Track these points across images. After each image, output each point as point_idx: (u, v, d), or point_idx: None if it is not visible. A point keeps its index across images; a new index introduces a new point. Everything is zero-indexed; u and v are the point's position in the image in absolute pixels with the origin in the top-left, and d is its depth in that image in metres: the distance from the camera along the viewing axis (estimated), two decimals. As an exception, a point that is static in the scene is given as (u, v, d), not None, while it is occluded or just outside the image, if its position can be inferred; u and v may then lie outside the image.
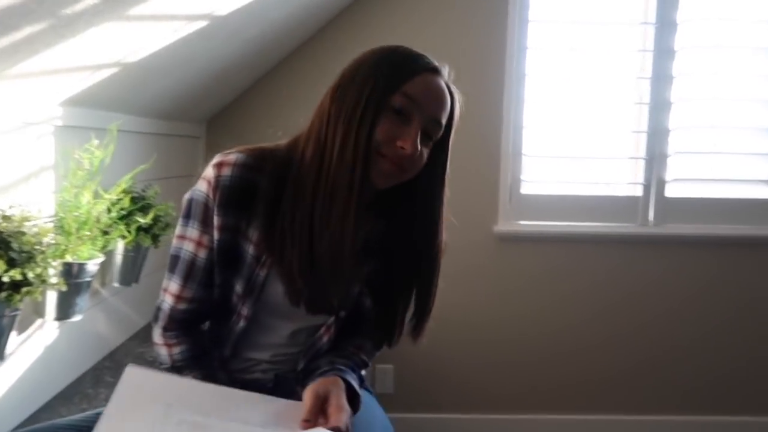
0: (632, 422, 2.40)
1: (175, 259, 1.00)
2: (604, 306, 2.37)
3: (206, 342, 1.06)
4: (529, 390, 2.40)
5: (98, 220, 1.28)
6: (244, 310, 1.00)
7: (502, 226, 2.31)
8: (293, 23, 1.98)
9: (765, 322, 2.37)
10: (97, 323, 1.59)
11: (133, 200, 1.44)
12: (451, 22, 2.24)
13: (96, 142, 1.31)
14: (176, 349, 1.03)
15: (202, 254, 0.98)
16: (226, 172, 0.95)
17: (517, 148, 2.29)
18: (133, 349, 1.69)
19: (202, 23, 1.45)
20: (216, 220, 0.95)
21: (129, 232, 1.41)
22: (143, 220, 1.43)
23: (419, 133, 0.92)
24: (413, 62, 0.95)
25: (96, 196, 1.30)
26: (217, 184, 0.95)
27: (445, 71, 0.99)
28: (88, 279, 1.27)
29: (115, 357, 1.63)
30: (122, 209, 1.37)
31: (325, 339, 1.06)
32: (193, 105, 2.04)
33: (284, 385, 1.06)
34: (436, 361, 2.38)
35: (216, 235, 0.96)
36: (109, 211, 1.32)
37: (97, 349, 1.60)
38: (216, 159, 0.97)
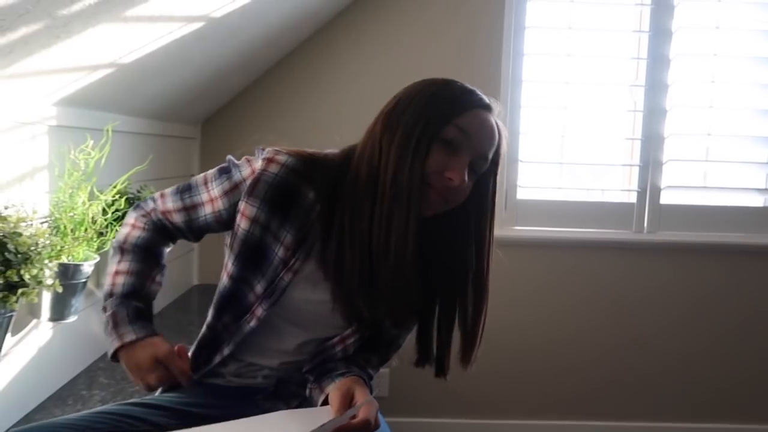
0: (627, 428, 2.41)
1: (188, 188, 1.06)
2: (599, 312, 2.37)
3: (160, 258, 1.12)
4: (525, 395, 2.40)
5: (94, 221, 1.28)
6: (259, 311, 1.00)
7: (498, 232, 2.29)
8: (288, 26, 1.98)
9: (760, 329, 2.38)
10: (92, 324, 1.58)
11: (129, 201, 1.43)
12: (447, 28, 2.25)
13: (91, 142, 1.31)
14: (137, 233, 1.09)
15: (209, 209, 1.03)
16: (273, 169, 0.96)
17: (513, 154, 2.30)
18: (127, 351, 1.68)
19: (198, 24, 1.45)
20: (247, 210, 0.96)
21: (124, 233, 1.40)
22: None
23: (467, 166, 0.94)
24: (467, 97, 0.97)
25: (91, 196, 1.30)
26: (259, 177, 0.96)
27: (496, 109, 1.01)
28: (84, 280, 1.27)
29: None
30: (118, 210, 1.36)
31: (338, 349, 1.05)
32: (188, 106, 2.04)
33: (284, 391, 1.07)
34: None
35: (244, 225, 0.97)
36: (104, 212, 1.31)
37: (92, 350, 1.60)
38: (268, 153, 0.98)
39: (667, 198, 2.33)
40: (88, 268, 1.27)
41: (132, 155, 1.69)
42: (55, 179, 1.30)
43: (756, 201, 2.40)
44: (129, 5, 1.12)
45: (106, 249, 1.40)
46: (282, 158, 0.97)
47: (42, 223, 1.22)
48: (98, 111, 1.51)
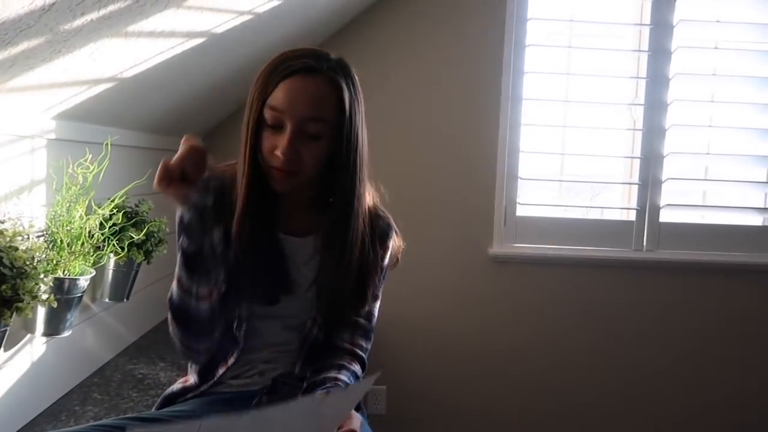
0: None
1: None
2: (599, 330, 2.36)
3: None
4: (523, 413, 2.38)
5: (91, 236, 1.27)
6: (244, 313, 1.08)
7: (497, 249, 2.31)
8: (287, 42, 1.98)
9: (757, 347, 2.37)
10: (87, 339, 1.57)
11: (126, 215, 1.43)
12: (448, 45, 2.26)
13: (90, 156, 1.31)
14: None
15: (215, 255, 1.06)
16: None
17: (513, 171, 2.30)
18: (123, 365, 1.67)
19: (200, 40, 1.45)
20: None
21: (121, 248, 1.40)
22: (136, 236, 1.42)
23: (294, 137, 0.98)
24: (274, 74, 0.99)
25: (89, 210, 1.30)
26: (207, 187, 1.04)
27: (323, 63, 1.01)
28: (79, 294, 1.26)
29: (103, 373, 1.61)
30: (115, 224, 1.36)
31: (314, 331, 1.10)
32: (187, 120, 2.05)
33: (281, 391, 1.08)
34: (428, 383, 2.36)
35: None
36: (102, 226, 1.31)
37: (86, 366, 1.58)
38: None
39: (666, 216, 2.33)
40: (84, 282, 1.26)
41: (131, 169, 1.68)
42: (52, 193, 1.30)
43: (755, 220, 2.39)
44: (130, 21, 1.13)
45: (102, 263, 1.39)
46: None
47: (38, 237, 1.22)
48: (98, 125, 1.51)
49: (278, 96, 0.98)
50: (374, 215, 1.14)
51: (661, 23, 2.27)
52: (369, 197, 1.13)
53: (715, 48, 2.32)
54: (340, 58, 1.05)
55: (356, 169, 1.05)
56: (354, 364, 1.10)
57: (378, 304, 1.16)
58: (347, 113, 1.02)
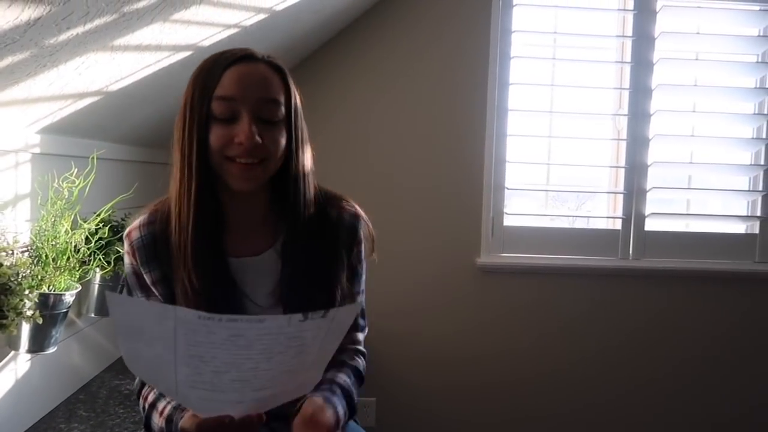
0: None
1: None
2: (587, 338, 2.37)
3: None
4: (512, 422, 2.38)
5: (76, 250, 1.26)
6: None
7: (485, 258, 2.32)
8: (274, 56, 1.99)
9: (742, 354, 2.39)
10: (72, 355, 1.55)
11: (113, 229, 1.42)
12: (434, 58, 2.28)
13: (75, 170, 1.30)
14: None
15: None
16: (136, 235, 1.01)
17: (500, 182, 2.31)
18: (109, 381, 1.65)
19: (186, 54, 1.45)
20: (147, 279, 1.01)
21: (108, 262, 1.39)
22: (122, 250, 1.40)
23: (252, 122, 0.92)
24: (216, 65, 0.95)
25: (74, 225, 1.29)
26: (133, 250, 1.01)
27: (259, 51, 0.99)
28: (65, 310, 1.25)
29: (89, 389, 1.59)
30: (102, 239, 1.35)
31: None
32: (173, 132, 2.04)
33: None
34: (418, 395, 2.35)
35: (156, 291, 1.01)
36: (87, 240, 1.30)
37: (71, 382, 1.56)
38: (125, 231, 1.03)
39: (651, 225, 2.35)
40: (69, 297, 1.24)
41: (117, 182, 1.68)
42: (37, 208, 1.29)
43: (738, 228, 2.43)
44: (116, 35, 1.12)
45: (88, 278, 1.38)
46: (135, 223, 1.03)
47: (23, 252, 1.20)
48: (83, 138, 1.50)
49: (226, 84, 0.93)
50: (335, 207, 1.06)
51: (643, 35, 2.30)
52: (312, 191, 1.05)
53: (696, 59, 2.36)
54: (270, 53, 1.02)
55: (305, 156, 1.01)
56: (357, 358, 1.09)
57: (363, 295, 1.12)
58: (293, 97, 0.99)
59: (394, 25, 2.27)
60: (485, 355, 2.36)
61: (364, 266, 1.11)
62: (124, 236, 1.03)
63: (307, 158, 1.02)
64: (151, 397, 1.01)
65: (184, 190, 0.94)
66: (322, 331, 0.82)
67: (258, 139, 0.92)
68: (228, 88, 0.93)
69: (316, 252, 1.01)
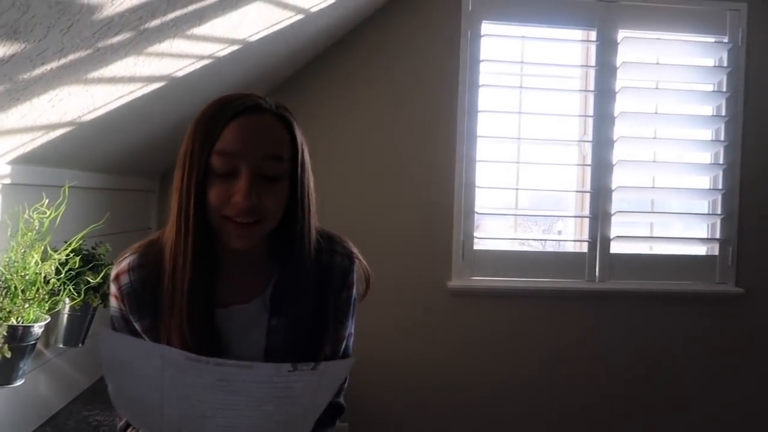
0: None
1: None
2: (555, 358, 2.41)
3: None
4: (484, 446, 2.40)
5: (46, 281, 1.25)
6: None
7: (456, 282, 2.35)
8: (248, 83, 2.02)
9: (704, 370, 2.46)
10: (40, 386, 1.52)
11: (84, 259, 1.41)
12: (405, 85, 2.33)
13: (46, 201, 1.29)
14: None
15: None
16: (125, 279, 0.96)
17: (470, 206, 2.36)
18: (77, 412, 1.62)
19: (160, 84, 1.47)
20: (137, 326, 0.96)
21: (78, 292, 1.38)
22: (93, 279, 1.40)
23: (252, 180, 0.87)
24: (218, 116, 0.90)
25: (45, 255, 1.28)
26: (122, 295, 0.96)
27: (268, 101, 0.94)
28: (33, 342, 1.23)
29: (56, 421, 1.56)
30: (72, 269, 1.34)
31: None
32: (147, 160, 2.04)
33: None
34: (391, 419, 2.36)
35: (146, 338, 0.96)
36: (57, 271, 1.29)
37: (38, 414, 1.53)
38: (113, 271, 0.98)
39: (616, 248, 2.42)
40: (38, 329, 1.23)
41: (88, 210, 1.67)
42: (7, 239, 1.27)
43: (699, 250, 2.51)
44: (90, 69, 1.14)
45: (57, 309, 1.37)
46: (124, 265, 0.97)
47: (-9, 284, 1.19)
48: (54, 167, 1.50)
49: (228, 138, 0.88)
50: (329, 251, 1.02)
51: (605, 65, 2.40)
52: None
53: (656, 88, 2.46)
54: (279, 101, 0.97)
55: (310, 213, 0.97)
56: (332, 416, 1.07)
57: (352, 339, 1.10)
58: (300, 152, 0.94)
59: (364, 55, 2.32)
60: (457, 378, 2.39)
61: (354, 309, 1.07)
62: (111, 278, 0.97)
63: (312, 213, 0.97)
64: None
65: (180, 242, 0.90)
66: (313, 384, 0.81)
67: (255, 199, 0.87)
68: (230, 143, 0.88)
69: (304, 300, 0.97)
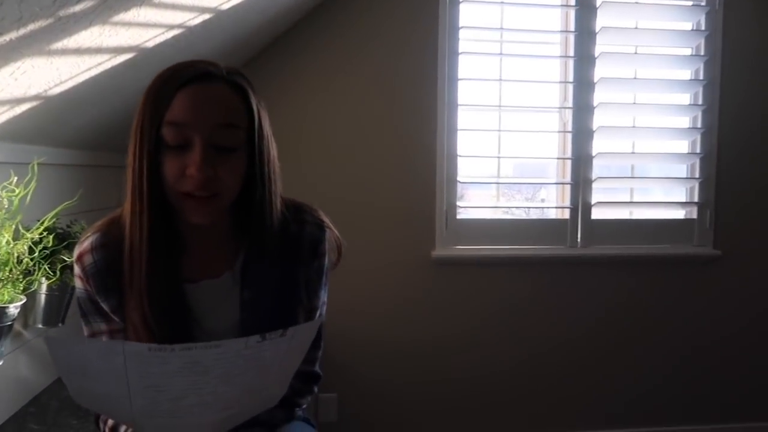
0: (569, 438, 2.48)
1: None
2: (539, 324, 2.44)
3: None
4: (471, 411, 2.43)
5: (19, 261, 1.23)
6: None
7: (440, 251, 2.36)
8: (220, 54, 1.97)
9: (685, 336, 2.51)
10: (20, 367, 1.50)
11: (58, 237, 1.38)
12: (384, 54, 2.30)
13: (15, 178, 1.26)
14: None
15: (119, 338, 0.96)
16: (88, 260, 0.94)
17: (452, 175, 2.35)
18: (59, 392, 1.61)
19: (129, 55, 1.43)
20: (105, 306, 0.95)
21: (53, 271, 1.35)
22: (69, 258, 1.37)
23: (205, 151, 0.85)
24: (167, 86, 0.87)
25: (17, 235, 1.25)
26: (86, 275, 0.94)
27: (218, 68, 0.90)
28: (9, 323, 1.21)
29: (39, 401, 1.55)
30: (46, 248, 1.31)
31: None
32: (119, 134, 1.98)
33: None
34: (378, 388, 2.38)
35: (115, 318, 0.96)
36: (31, 250, 1.26)
37: (20, 395, 1.51)
38: (75, 251, 0.96)
39: (597, 214, 2.44)
40: (13, 310, 1.21)
41: (61, 188, 1.63)
42: (-24, 218, 1.24)
43: (678, 214, 2.54)
44: (53, 39, 1.10)
45: (33, 289, 1.34)
46: (86, 245, 0.95)
47: (-38, 265, 1.16)
48: (22, 144, 1.45)
49: (178, 107, 0.85)
50: (298, 221, 1.00)
51: (584, 30, 2.38)
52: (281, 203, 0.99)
53: (635, 53, 2.45)
54: (233, 66, 0.94)
55: (272, 183, 0.94)
56: (308, 383, 1.07)
57: (324, 308, 1.08)
58: (257, 119, 0.90)
59: (341, 23, 2.27)
60: (443, 347, 2.41)
61: (326, 278, 1.05)
62: (74, 259, 0.95)
63: (274, 182, 0.94)
64: (110, 422, 0.99)
65: (136, 219, 0.88)
66: (282, 349, 0.80)
67: (210, 171, 0.84)
68: (179, 113, 0.85)
69: (275, 272, 0.95)
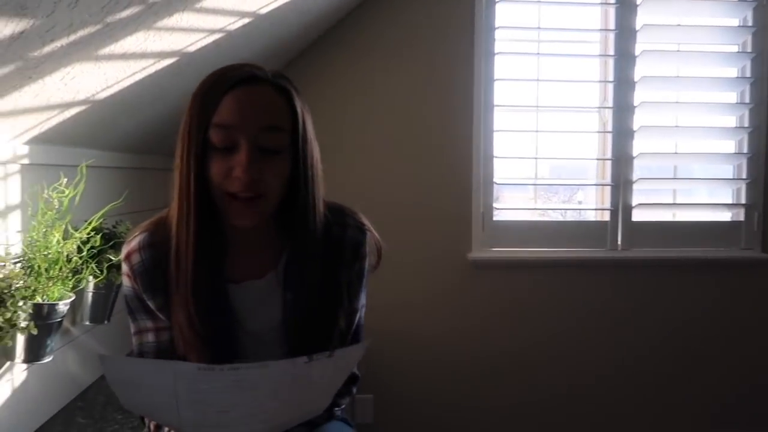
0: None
1: (140, 356, 1.00)
2: (578, 328, 2.40)
3: None
4: (507, 416, 2.41)
5: (69, 260, 1.27)
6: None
7: (476, 253, 2.34)
8: (260, 57, 2.00)
9: (731, 338, 2.43)
10: (68, 363, 1.56)
11: (104, 237, 1.42)
12: (420, 56, 2.30)
13: (65, 180, 1.30)
14: None
15: (165, 336, 0.99)
16: (136, 258, 0.96)
17: (488, 177, 2.33)
18: (106, 388, 1.65)
19: (172, 60, 1.46)
20: (151, 305, 0.97)
21: (100, 270, 1.39)
22: (114, 257, 1.41)
23: (251, 153, 0.86)
24: (214, 89, 0.88)
25: (66, 235, 1.29)
26: (134, 274, 0.96)
27: (264, 71, 0.92)
28: (59, 319, 1.25)
29: (86, 396, 1.60)
30: (93, 248, 1.35)
31: None
32: (163, 138, 2.04)
33: None
34: (415, 390, 2.37)
35: (161, 316, 0.98)
36: (79, 250, 1.30)
37: (69, 390, 1.57)
38: (123, 250, 0.98)
39: (638, 215, 2.38)
40: (63, 307, 1.25)
41: (107, 190, 1.68)
42: (28, 218, 1.29)
43: (723, 216, 2.46)
44: (100, 45, 1.13)
45: (81, 287, 1.39)
46: (134, 244, 0.97)
47: (15, 263, 1.21)
48: (72, 147, 1.51)
49: (225, 110, 0.86)
50: (339, 224, 1.01)
51: (625, 28, 2.33)
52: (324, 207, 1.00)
53: (678, 51, 2.39)
54: (278, 70, 0.96)
55: (315, 185, 0.95)
56: (347, 384, 1.07)
57: (363, 310, 1.09)
58: (301, 122, 0.91)
59: (378, 25, 2.28)
60: (479, 349, 2.39)
61: (366, 281, 1.06)
62: (122, 257, 0.98)
63: (317, 184, 0.95)
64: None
65: (183, 220, 0.90)
66: (329, 369, 0.82)
67: (255, 172, 0.86)
68: (226, 116, 0.86)
69: (317, 274, 0.96)
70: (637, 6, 2.32)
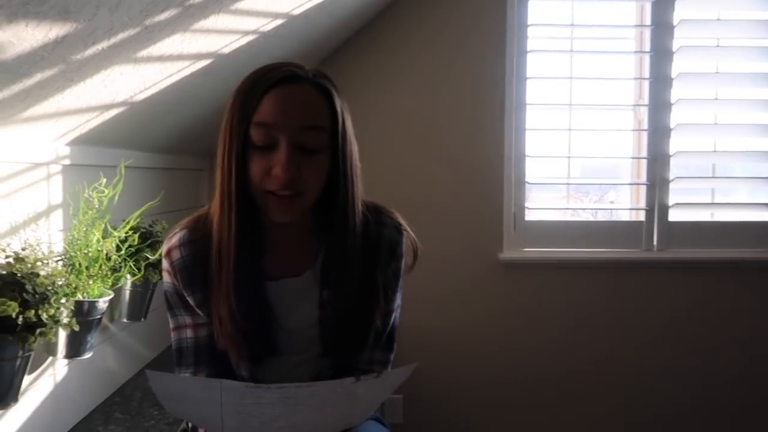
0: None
1: (179, 351, 1.02)
2: (612, 330, 2.36)
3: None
4: (539, 418, 2.38)
5: (108, 258, 1.30)
6: (239, 370, 1.03)
7: (508, 253, 2.32)
8: (293, 57, 2.02)
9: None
10: (107, 359, 1.60)
11: (142, 236, 1.45)
12: (451, 53, 2.28)
13: (104, 180, 1.33)
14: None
15: (203, 332, 1.01)
16: (176, 255, 0.98)
17: (520, 177, 2.31)
18: (142, 384, 1.69)
19: (207, 61, 1.48)
20: (191, 301, 0.98)
21: (138, 268, 1.42)
22: (151, 256, 1.44)
23: (290, 152, 0.87)
24: (255, 88, 0.89)
25: (105, 233, 1.32)
26: (174, 270, 0.97)
27: (304, 70, 0.92)
28: (99, 316, 1.28)
29: (124, 392, 1.63)
30: (131, 246, 1.38)
31: (327, 366, 1.05)
32: (197, 139, 2.08)
33: None
34: (445, 391, 2.36)
35: (200, 312, 0.99)
36: (118, 248, 1.33)
37: (107, 385, 1.61)
38: (164, 247, 1.00)
39: (675, 215, 2.33)
40: (103, 304, 1.28)
41: (144, 189, 1.72)
42: (69, 217, 1.32)
43: (763, 216, 2.38)
44: (139, 47, 1.15)
45: (120, 285, 1.42)
46: (175, 240, 0.98)
47: (57, 261, 1.24)
48: (111, 148, 1.54)
49: (265, 109, 0.87)
50: (377, 224, 1.01)
51: (661, 23, 2.28)
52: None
53: (717, 46, 2.32)
54: (319, 69, 0.96)
55: (354, 184, 0.95)
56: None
57: (399, 311, 1.09)
58: (340, 121, 0.92)
59: (409, 23, 2.28)
60: (511, 350, 2.36)
61: (402, 281, 1.06)
62: (163, 254, 0.99)
63: (356, 183, 0.96)
64: None
65: (224, 217, 0.91)
66: (375, 388, 0.84)
67: (294, 170, 0.87)
68: (267, 115, 0.87)
69: (355, 272, 0.96)
70: (674, 0, 2.27)
